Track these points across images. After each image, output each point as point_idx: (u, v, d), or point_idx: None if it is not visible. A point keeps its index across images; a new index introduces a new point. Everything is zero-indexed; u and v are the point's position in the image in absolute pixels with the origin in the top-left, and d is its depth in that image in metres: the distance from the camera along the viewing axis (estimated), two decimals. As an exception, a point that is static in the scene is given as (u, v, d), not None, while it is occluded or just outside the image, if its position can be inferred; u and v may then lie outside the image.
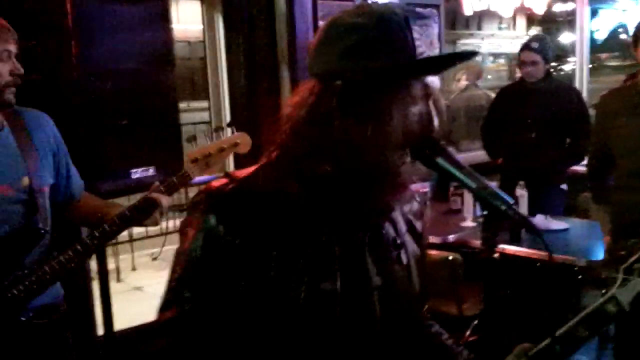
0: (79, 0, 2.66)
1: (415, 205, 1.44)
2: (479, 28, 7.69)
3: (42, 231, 2.17)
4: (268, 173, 1.25)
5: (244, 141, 2.35)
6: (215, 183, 1.28)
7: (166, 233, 5.81)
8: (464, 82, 6.90)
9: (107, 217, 2.24)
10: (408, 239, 1.37)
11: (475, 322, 3.81)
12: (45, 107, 2.25)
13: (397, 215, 1.36)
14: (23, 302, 2.11)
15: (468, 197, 4.35)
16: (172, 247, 6.34)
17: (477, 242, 3.96)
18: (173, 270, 1.27)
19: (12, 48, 2.08)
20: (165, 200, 2.27)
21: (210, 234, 1.22)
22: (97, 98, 2.75)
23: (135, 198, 4.96)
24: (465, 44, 7.60)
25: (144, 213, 2.25)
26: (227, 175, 1.29)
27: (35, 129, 2.22)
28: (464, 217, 4.37)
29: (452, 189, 4.66)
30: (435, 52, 1.16)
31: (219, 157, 2.32)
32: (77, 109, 2.72)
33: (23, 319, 2.12)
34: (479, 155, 5.19)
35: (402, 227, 1.37)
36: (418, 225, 1.43)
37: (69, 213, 2.40)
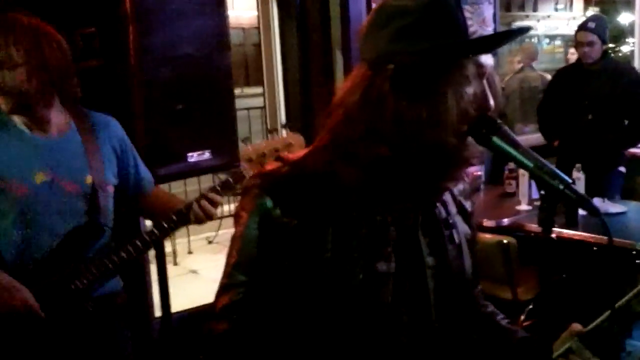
0: (137, -14, 2.71)
1: (463, 185, 1.44)
2: (535, 10, 7.55)
3: (104, 227, 2.28)
4: (321, 156, 1.27)
5: (298, 142, 2.39)
6: (268, 167, 1.30)
7: (222, 217, 5.89)
8: (518, 64, 6.79)
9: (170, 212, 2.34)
10: (458, 219, 1.38)
11: (530, 306, 3.78)
12: (105, 91, 2.31)
13: (447, 196, 1.37)
14: (85, 292, 2.21)
15: (523, 180, 4.30)
16: (227, 230, 6.45)
17: (532, 226, 3.91)
18: (229, 255, 1.30)
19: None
20: (219, 200, 2.36)
21: (266, 216, 1.23)
22: (155, 83, 2.79)
23: (190, 182, 5.03)
24: (521, 25, 7.47)
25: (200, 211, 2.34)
26: (279, 159, 1.31)
27: (100, 131, 2.31)
28: (518, 200, 4.32)
29: (506, 172, 4.61)
30: (488, 30, 1.14)
31: (273, 156, 2.37)
32: (136, 94, 2.77)
33: (83, 307, 2.22)
34: (533, 137, 5.12)
35: (452, 207, 1.37)
36: (467, 205, 1.43)
37: (140, 208, 2.52)
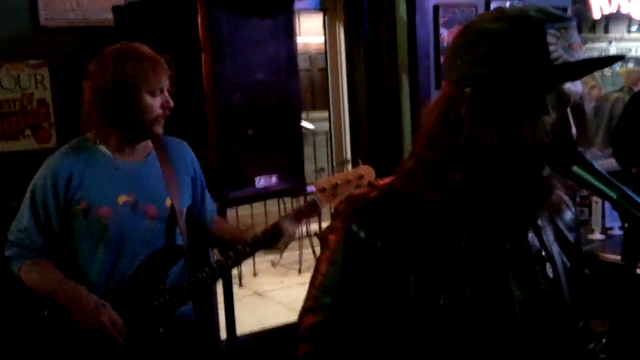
0: (210, 15, 2.76)
1: (568, 215, 1.39)
2: (606, 31, 7.38)
3: (183, 249, 2.33)
4: (406, 181, 1.25)
5: (369, 173, 2.40)
6: (357, 192, 1.30)
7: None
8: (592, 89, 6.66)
9: (239, 239, 2.39)
10: (556, 250, 1.32)
11: (604, 340, 3.64)
12: (179, 117, 2.36)
13: (545, 225, 1.32)
14: (163, 315, 2.24)
15: (596, 208, 4.19)
16: (291, 253, 6.47)
17: (605, 256, 3.80)
18: (314, 277, 1.30)
19: (165, 84, 2.22)
20: (293, 229, 2.40)
21: (352, 239, 1.23)
22: (227, 109, 2.85)
23: (256, 207, 5.04)
24: (592, 47, 7.31)
25: (275, 238, 2.38)
26: (369, 184, 1.31)
27: (176, 156, 2.37)
28: (591, 228, 4.21)
29: (578, 199, 4.49)
30: (576, 56, 1.12)
31: (345, 187, 2.39)
32: (209, 120, 2.83)
33: (161, 330, 2.25)
34: (607, 162, 4.97)
35: (550, 237, 1.32)
36: (570, 236, 1.37)
37: (203, 235, 2.54)
